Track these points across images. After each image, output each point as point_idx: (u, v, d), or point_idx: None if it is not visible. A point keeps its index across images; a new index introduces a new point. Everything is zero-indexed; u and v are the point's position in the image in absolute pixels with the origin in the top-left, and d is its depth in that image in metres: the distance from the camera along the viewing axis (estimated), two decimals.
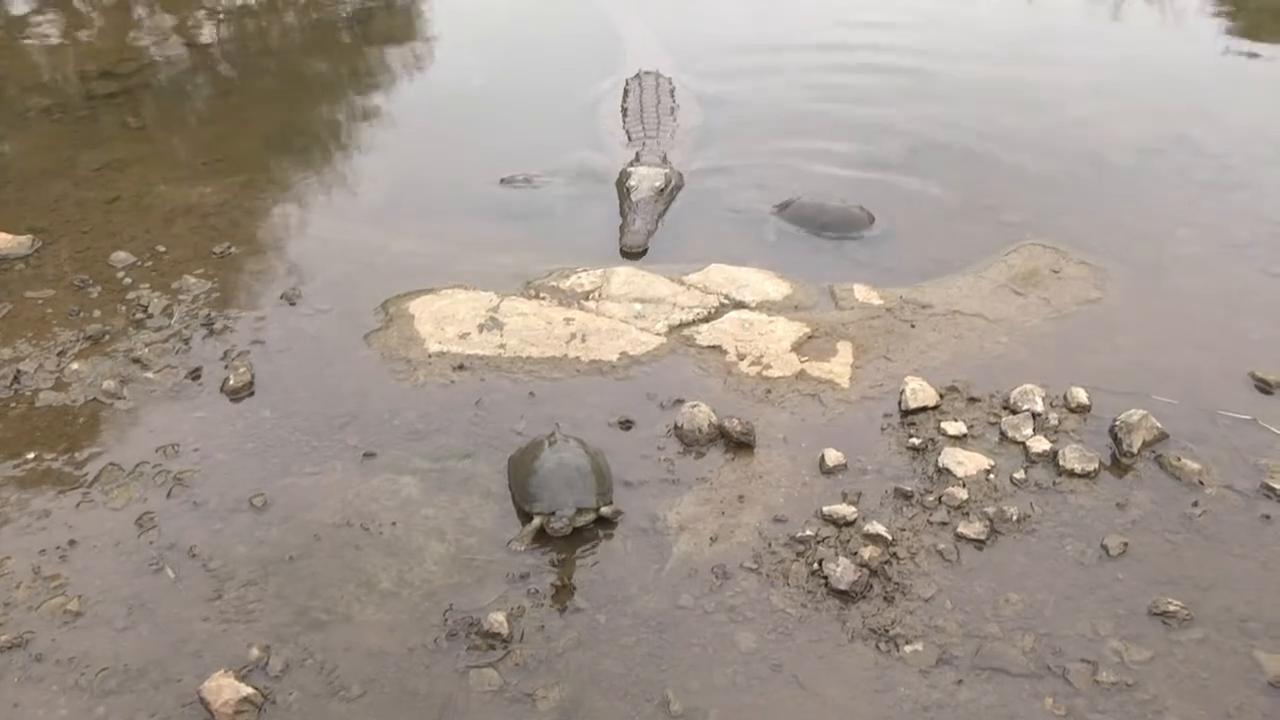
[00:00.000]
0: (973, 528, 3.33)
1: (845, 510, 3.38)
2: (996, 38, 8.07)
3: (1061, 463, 3.59)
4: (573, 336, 4.31)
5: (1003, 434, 3.76)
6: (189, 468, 3.61)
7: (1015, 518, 3.37)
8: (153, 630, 3.02)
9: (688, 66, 7.29)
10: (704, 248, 5.09)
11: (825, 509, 3.40)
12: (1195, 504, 3.43)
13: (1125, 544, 3.27)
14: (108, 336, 4.32)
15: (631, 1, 8.92)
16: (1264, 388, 3.98)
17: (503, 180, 5.64)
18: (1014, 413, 3.84)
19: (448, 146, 6.34)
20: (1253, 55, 7.86)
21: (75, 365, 4.15)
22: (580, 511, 3.30)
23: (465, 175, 5.90)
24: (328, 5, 9.30)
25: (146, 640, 2.99)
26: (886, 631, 3.01)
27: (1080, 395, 3.88)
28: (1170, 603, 3.05)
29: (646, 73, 6.87)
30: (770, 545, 3.30)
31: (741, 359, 4.18)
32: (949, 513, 3.41)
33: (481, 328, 4.35)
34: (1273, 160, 6.02)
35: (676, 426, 3.76)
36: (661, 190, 5.41)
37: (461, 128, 6.62)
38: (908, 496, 3.48)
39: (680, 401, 3.88)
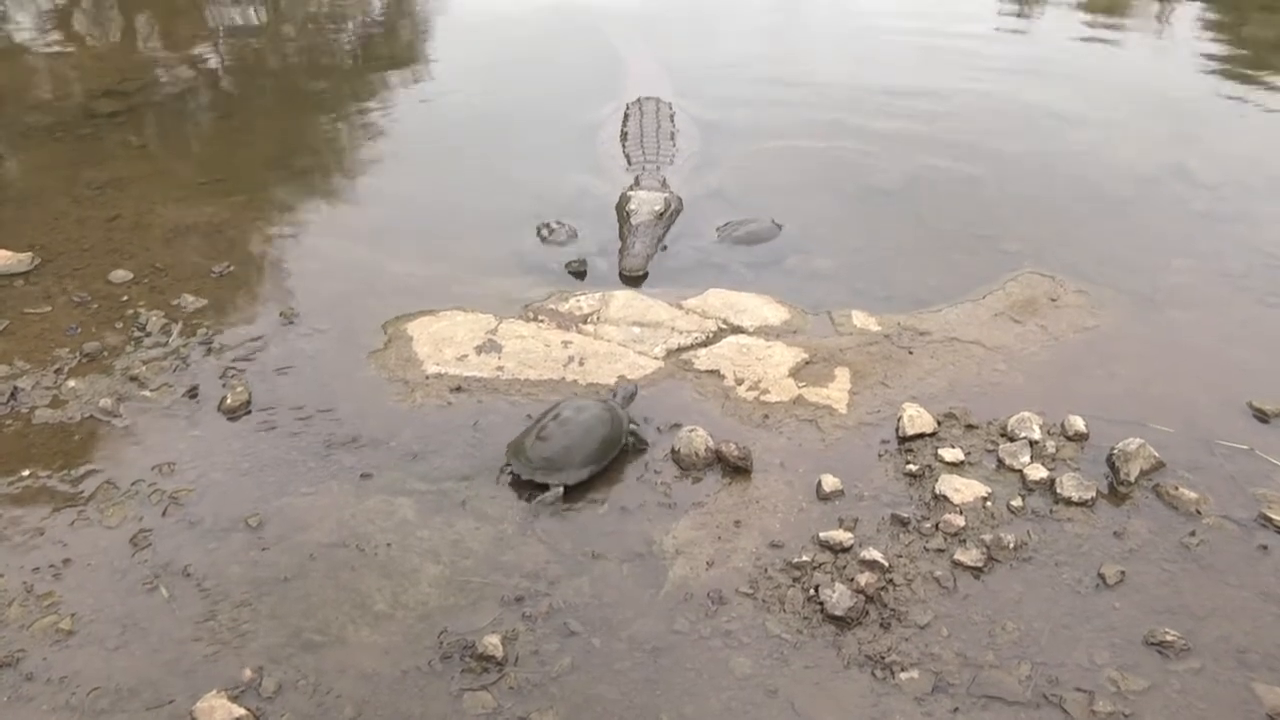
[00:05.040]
0: (969, 555, 3.33)
1: (842, 536, 3.38)
2: (994, 69, 8.14)
3: (1059, 491, 3.59)
4: (570, 359, 4.31)
5: (1000, 461, 3.76)
6: (185, 487, 3.60)
7: (1012, 545, 3.36)
8: (145, 650, 3.00)
9: (689, 93, 7.34)
10: (702, 272, 5.11)
11: (822, 535, 3.40)
12: (1192, 533, 3.43)
13: (1122, 573, 3.27)
14: (105, 354, 4.32)
15: (635, 30, 9.00)
16: (1261, 417, 3.99)
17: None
18: (1011, 440, 3.84)
19: (447, 168, 6.37)
20: (1249, 86, 7.92)
21: (72, 383, 4.14)
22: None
23: (465, 197, 5.92)
24: (330, 28, 9.38)
25: (139, 660, 2.97)
26: (882, 658, 2.99)
27: (1078, 423, 3.89)
28: (1167, 633, 3.04)
29: (647, 98, 6.91)
30: (766, 570, 3.29)
31: (739, 384, 4.18)
32: (946, 540, 3.40)
33: (479, 350, 4.35)
34: (1268, 192, 6.06)
35: (673, 450, 3.75)
36: (661, 214, 5.43)
37: (461, 150, 6.64)
38: (904, 523, 3.47)
39: (677, 426, 3.88)
